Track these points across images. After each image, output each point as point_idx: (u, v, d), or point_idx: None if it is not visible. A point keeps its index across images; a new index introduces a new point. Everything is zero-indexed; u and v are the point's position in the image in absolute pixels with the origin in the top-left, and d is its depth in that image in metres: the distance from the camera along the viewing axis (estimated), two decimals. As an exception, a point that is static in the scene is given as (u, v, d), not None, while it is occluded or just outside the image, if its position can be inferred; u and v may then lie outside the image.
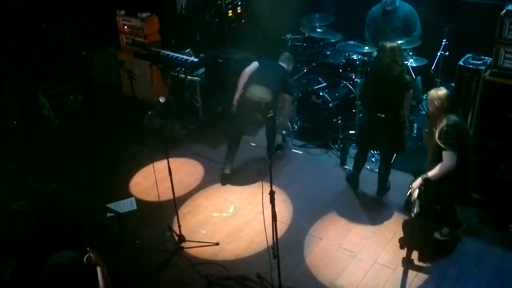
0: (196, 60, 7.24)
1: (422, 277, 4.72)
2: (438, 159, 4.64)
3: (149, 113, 7.41)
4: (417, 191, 4.71)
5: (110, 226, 5.55)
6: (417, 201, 4.71)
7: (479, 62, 5.41)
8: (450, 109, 4.66)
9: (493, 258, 4.87)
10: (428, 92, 4.82)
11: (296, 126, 7.07)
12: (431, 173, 4.65)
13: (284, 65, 6.48)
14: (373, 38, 7.06)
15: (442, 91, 4.71)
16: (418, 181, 4.70)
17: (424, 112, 6.90)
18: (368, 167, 6.28)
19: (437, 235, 5.13)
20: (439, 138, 4.58)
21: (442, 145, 4.55)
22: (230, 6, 7.62)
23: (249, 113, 6.16)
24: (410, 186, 4.80)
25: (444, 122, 4.60)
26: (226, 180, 6.25)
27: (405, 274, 4.76)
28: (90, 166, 6.58)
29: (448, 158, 4.56)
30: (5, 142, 6.53)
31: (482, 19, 6.50)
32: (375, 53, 6.81)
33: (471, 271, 4.74)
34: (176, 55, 7.38)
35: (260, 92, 6.05)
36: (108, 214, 5.68)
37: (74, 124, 7.03)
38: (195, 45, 7.63)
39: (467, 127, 4.97)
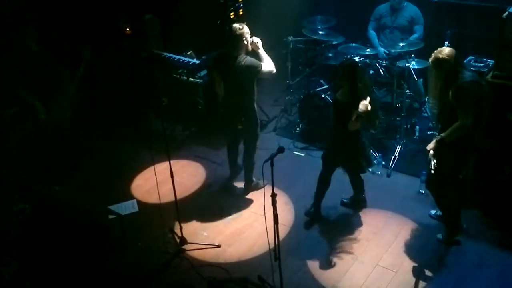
0: (198, 62, 7.24)
1: (423, 280, 4.71)
2: (452, 121, 4.47)
3: (151, 115, 7.43)
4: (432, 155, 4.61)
5: (111, 228, 5.55)
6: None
7: (481, 65, 5.42)
8: (460, 65, 4.49)
9: (495, 261, 4.86)
10: (431, 57, 4.54)
11: (298, 128, 7.06)
12: (445, 133, 4.49)
13: (239, 52, 5.42)
14: (377, 34, 7.10)
15: (447, 50, 4.48)
16: (432, 143, 4.60)
17: (426, 114, 6.89)
18: (370, 169, 6.27)
19: (439, 236, 5.14)
20: (455, 96, 4.37)
21: (458, 104, 4.36)
22: (232, 8, 7.61)
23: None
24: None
25: (459, 80, 4.39)
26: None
27: (407, 277, 4.75)
28: (91, 168, 6.58)
29: (464, 117, 4.36)
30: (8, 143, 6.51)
31: (484, 21, 6.49)
32: (381, 51, 6.84)
33: (472, 274, 4.73)
34: (178, 57, 7.37)
35: (226, 105, 5.76)
36: (110, 216, 5.70)
37: (75, 125, 7.02)
38: (197, 47, 7.63)
39: (483, 82, 4.72)
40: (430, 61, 4.57)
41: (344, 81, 4.95)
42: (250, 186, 6.07)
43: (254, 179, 6.05)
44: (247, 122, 5.64)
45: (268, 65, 5.46)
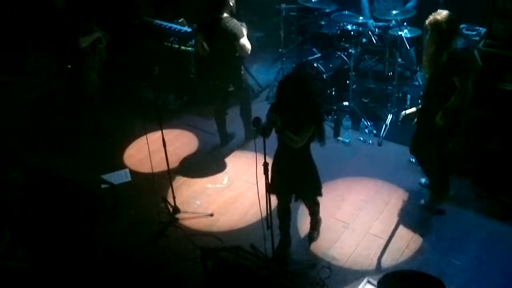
0: (189, 30, 7.17)
1: (412, 247, 4.79)
2: (445, 88, 4.47)
3: (143, 84, 7.39)
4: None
5: (104, 197, 5.59)
6: None
7: (473, 33, 5.41)
8: (456, 31, 4.46)
9: (484, 228, 4.94)
10: (429, 19, 4.47)
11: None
12: (449, 103, 4.45)
13: (224, 14, 5.58)
14: (370, 5, 7.03)
15: (444, 13, 4.42)
16: (439, 116, 4.55)
17: (417, 83, 6.90)
18: (361, 138, 6.32)
19: (421, 201, 5.25)
20: (450, 64, 4.36)
21: (455, 72, 4.35)
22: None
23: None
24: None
25: (452, 46, 4.36)
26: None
27: (396, 244, 4.83)
28: (83, 138, 6.57)
29: (464, 84, 4.36)
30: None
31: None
32: (370, 22, 6.80)
33: (461, 240, 4.82)
34: (170, 25, 7.30)
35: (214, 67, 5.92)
36: (102, 186, 5.72)
37: (65, 96, 6.98)
38: (188, 14, 7.55)
39: (475, 50, 4.69)
40: (427, 23, 4.52)
41: (297, 93, 4.12)
42: (250, 133, 6.23)
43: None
44: (237, 83, 5.86)
45: (247, 40, 5.61)
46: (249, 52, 5.68)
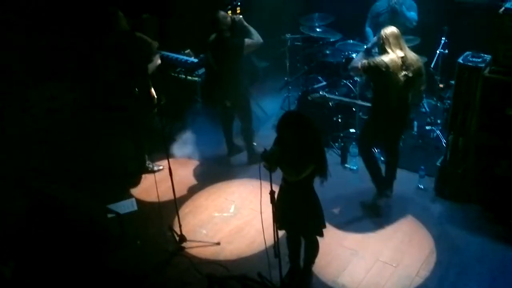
0: (196, 60, 7.24)
1: (423, 274, 4.72)
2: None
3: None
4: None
5: (110, 227, 5.55)
6: None
7: (479, 60, 5.40)
8: (387, 49, 4.95)
9: (495, 254, 4.87)
10: None
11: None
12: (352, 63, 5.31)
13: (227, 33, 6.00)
14: (375, 34, 7.06)
15: (390, 29, 5.00)
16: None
17: (424, 110, 6.89)
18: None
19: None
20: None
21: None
22: (229, 6, 7.62)
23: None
24: None
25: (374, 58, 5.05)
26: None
27: (406, 272, 4.76)
28: (90, 167, 6.56)
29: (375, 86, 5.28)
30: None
31: (481, 17, 6.49)
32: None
33: (473, 268, 4.74)
34: (176, 56, 7.38)
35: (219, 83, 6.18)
36: (109, 215, 5.67)
37: (73, 122, 7.02)
38: (195, 45, 7.63)
39: (389, 74, 4.99)
40: None
41: (295, 132, 4.03)
42: (253, 156, 6.40)
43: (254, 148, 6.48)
44: (238, 96, 6.21)
45: (252, 38, 5.96)
46: (260, 41, 6.02)
